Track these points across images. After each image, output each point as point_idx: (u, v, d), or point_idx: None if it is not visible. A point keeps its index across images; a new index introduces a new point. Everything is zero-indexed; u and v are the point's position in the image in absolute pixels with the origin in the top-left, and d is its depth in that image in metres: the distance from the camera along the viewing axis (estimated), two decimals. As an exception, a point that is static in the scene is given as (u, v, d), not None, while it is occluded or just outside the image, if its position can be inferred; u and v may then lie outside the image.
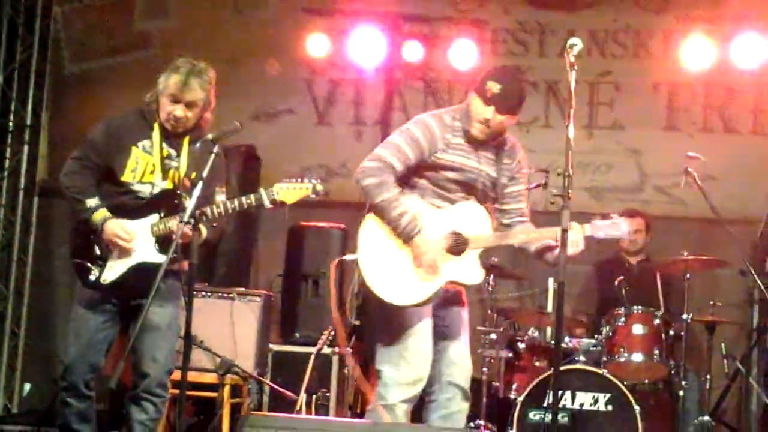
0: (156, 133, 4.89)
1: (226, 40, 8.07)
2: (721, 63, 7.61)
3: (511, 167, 4.86)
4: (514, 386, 6.59)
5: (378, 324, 4.79)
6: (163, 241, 4.79)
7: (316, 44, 7.90)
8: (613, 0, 7.98)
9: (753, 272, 6.73)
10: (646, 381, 6.58)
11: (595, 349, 6.57)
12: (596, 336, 6.66)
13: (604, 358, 6.47)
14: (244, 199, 4.75)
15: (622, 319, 6.51)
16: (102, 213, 4.80)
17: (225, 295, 6.61)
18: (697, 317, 6.65)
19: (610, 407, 6.16)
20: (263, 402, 6.67)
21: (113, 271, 4.83)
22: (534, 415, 6.18)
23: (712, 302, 6.84)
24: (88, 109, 7.61)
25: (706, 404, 6.68)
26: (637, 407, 6.09)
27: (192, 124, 4.90)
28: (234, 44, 8.07)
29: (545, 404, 6.04)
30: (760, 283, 6.75)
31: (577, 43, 4.46)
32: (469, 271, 4.66)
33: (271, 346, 6.82)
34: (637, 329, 6.49)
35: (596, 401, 6.17)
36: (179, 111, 4.84)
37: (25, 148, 8.01)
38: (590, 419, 6.16)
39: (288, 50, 8.03)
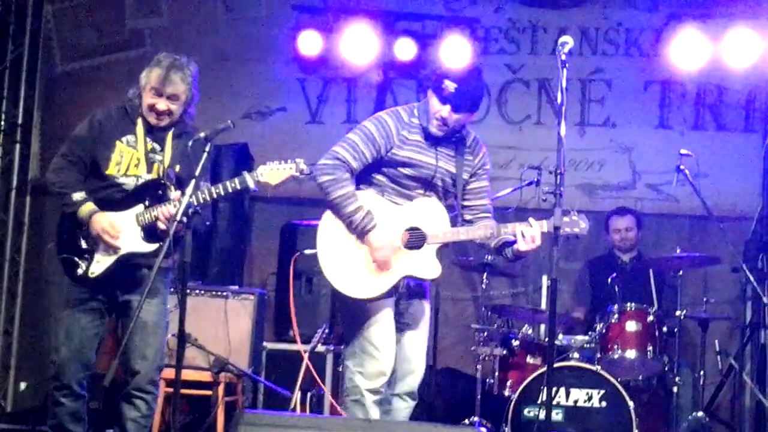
0: (140, 128, 4.92)
1: (217, 38, 8.06)
2: (712, 60, 7.61)
3: (473, 164, 4.89)
4: (509, 383, 6.60)
5: (344, 319, 4.90)
6: (149, 230, 4.80)
7: (307, 42, 7.87)
8: (605, -2, 8.00)
9: (745, 269, 6.75)
10: (640, 377, 6.60)
11: (588, 346, 6.58)
12: (590, 333, 6.67)
13: (598, 355, 6.49)
14: (228, 183, 4.72)
15: (616, 316, 6.53)
16: (88, 206, 4.80)
17: (219, 293, 6.61)
18: (691, 314, 6.68)
19: (604, 403, 6.17)
20: (258, 400, 6.68)
21: (100, 264, 4.82)
22: (528, 412, 6.20)
23: (705, 299, 6.88)
24: (80, 108, 7.55)
25: (700, 400, 6.70)
26: (631, 403, 6.11)
27: (175, 118, 4.92)
28: (226, 42, 8.07)
29: (539, 401, 6.06)
30: (753, 280, 6.77)
31: (568, 41, 4.49)
32: (427, 266, 4.72)
33: (265, 344, 6.83)
34: (631, 326, 6.51)
35: (590, 398, 6.19)
36: (161, 104, 4.86)
37: (17, 146, 7.97)
38: (584, 415, 6.18)
39: (280, 48, 8.02)
